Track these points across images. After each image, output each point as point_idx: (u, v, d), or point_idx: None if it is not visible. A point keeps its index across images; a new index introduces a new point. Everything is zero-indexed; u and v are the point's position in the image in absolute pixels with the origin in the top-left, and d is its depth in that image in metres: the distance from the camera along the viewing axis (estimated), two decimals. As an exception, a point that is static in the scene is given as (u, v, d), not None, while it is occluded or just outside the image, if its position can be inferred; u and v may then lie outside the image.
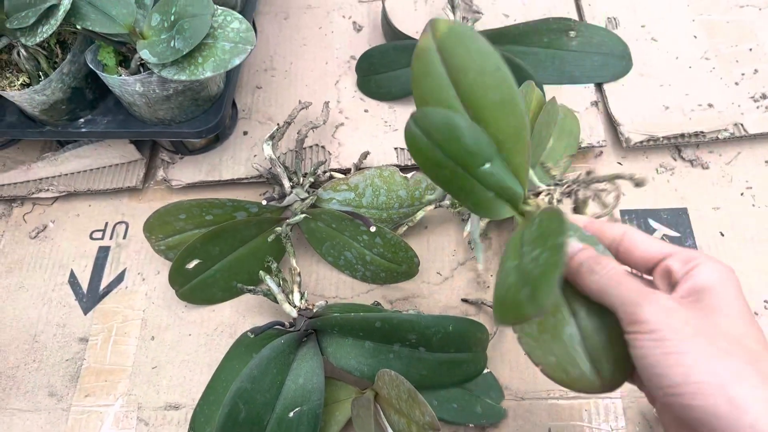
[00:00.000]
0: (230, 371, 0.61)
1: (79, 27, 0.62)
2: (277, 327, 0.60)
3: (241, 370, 0.60)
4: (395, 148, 0.73)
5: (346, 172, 0.72)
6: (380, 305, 0.64)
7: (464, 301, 0.65)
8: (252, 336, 0.58)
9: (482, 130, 0.39)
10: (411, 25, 0.82)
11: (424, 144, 0.39)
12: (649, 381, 0.34)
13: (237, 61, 0.60)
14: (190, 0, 0.61)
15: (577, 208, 0.57)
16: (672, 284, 0.37)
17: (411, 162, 0.71)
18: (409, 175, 0.64)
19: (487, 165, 0.39)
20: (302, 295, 0.62)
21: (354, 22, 0.84)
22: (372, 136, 0.74)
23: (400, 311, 0.62)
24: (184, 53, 0.59)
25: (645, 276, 0.40)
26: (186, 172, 0.74)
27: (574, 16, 0.80)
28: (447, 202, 0.66)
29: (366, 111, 0.76)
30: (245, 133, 0.77)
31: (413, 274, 0.66)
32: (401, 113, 0.76)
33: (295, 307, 0.61)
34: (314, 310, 0.61)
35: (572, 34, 0.74)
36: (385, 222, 0.66)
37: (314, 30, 0.84)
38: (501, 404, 0.59)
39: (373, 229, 0.60)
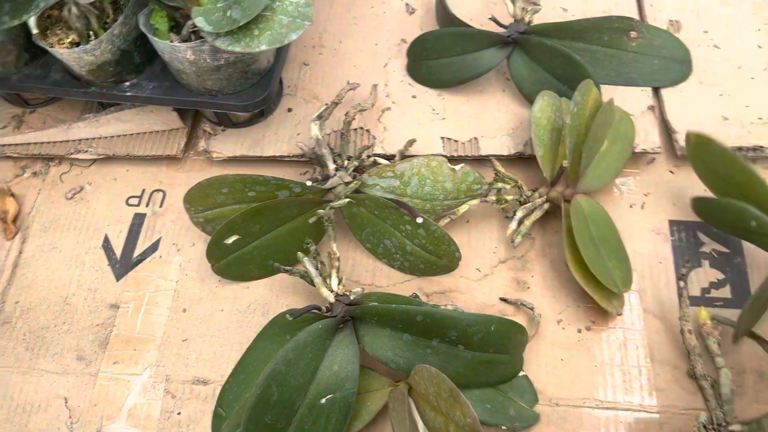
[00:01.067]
0: (262, 351, 0.60)
1: (135, -12, 0.60)
2: (315, 311, 0.59)
3: (274, 350, 0.60)
4: (442, 138, 0.71)
5: (390, 158, 0.70)
6: (418, 297, 0.63)
7: (503, 300, 0.64)
8: (290, 318, 0.57)
9: None
10: (466, 11, 0.80)
11: None
12: None
13: (293, 37, 0.59)
14: (250, -30, 0.59)
15: None
16: None
17: (457, 153, 0.70)
18: (457, 167, 0.63)
19: None
20: (340, 280, 0.61)
21: (407, 4, 0.82)
22: (418, 123, 0.73)
23: (437, 305, 0.61)
24: (241, 24, 0.58)
25: None
26: (227, 144, 0.73)
27: (635, 16, 0.78)
28: (492, 197, 0.64)
29: (414, 97, 0.75)
30: (290, 110, 0.75)
31: (453, 268, 0.64)
32: (450, 101, 0.74)
33: (332, 291, 0.60)
34: (351, 297, 0.60)
35: (633, 34, 0.72)
36: (428, 213, 0.64)
37: (366, 9, 0.82)
38: (534, 408, 0.58)
39: (420, 220, 0.59)
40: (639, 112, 0.71)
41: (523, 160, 0.70)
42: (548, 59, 0.69)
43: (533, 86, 0.71)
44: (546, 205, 0.65)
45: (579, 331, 0.62)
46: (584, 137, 0.62)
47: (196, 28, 0.63)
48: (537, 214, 0.64)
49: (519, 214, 0.64)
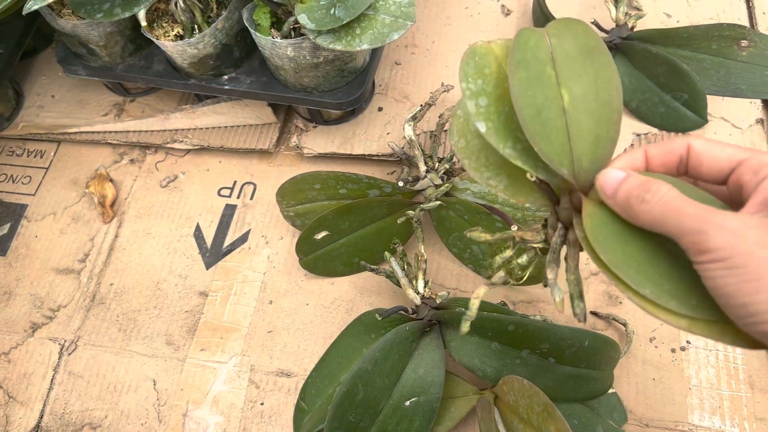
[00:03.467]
0: (346, 348, 0.60)
1: (241, -15, 0.61)
2: (401, 312, 0.59)
3: (358, 348, 0.60)
4: (534, 143, 0.70)
5: (480, 161, 0.69)
6: (506, 305, 0.62)
7: (593, 314, 0.62)
8: (378, 317, 0.57)
9: None
10: (564, 13, 0.78)
11: None
12: (729, 312, 0.30)
13: (395, 36, 0.59)
14: (356, -32, 0.59)
15: None
16: (744, 198, 0.32)
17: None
18: (555, 176, 0.61)
19: None
20: (426, 283, 0.61)
21: (503, 6, 0.81)
22: (511, 127, 0.71)
23: (526, 316, 0.60)
24: (344, 22, 0.58)
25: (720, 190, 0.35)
26: (318, 141, 0.74)
27: (745, 22, 0.74)
28: (500, 276, 0.46)
29: (507, 100, 0.73)
30: (380, 109, 0.75)
31: (542, 280, 0.63)
32: (544, 107, 0.72)
33: (418, 294, 0.60)
34: (438, 301, 0.59)
35: (744, 43, 0.68)
36: (518, 221, 0.63)
37: (460, 9, 0.82)
38: (623, 428, 0.56)
39: (514, 227, 0.58)
40: (747, 125, 0.67)
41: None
42: (652, 66, 0.67)
43: (634, 94, 0.69)
44: (572, 234, 0.40)
45: (673, 350, 0.59)
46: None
47: (297, 25, 0.64)
48: (573, 254, 0.40)
49: (550, 275, 0.41)
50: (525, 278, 0.44)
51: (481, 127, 0.36)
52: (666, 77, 0.66)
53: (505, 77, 0.37)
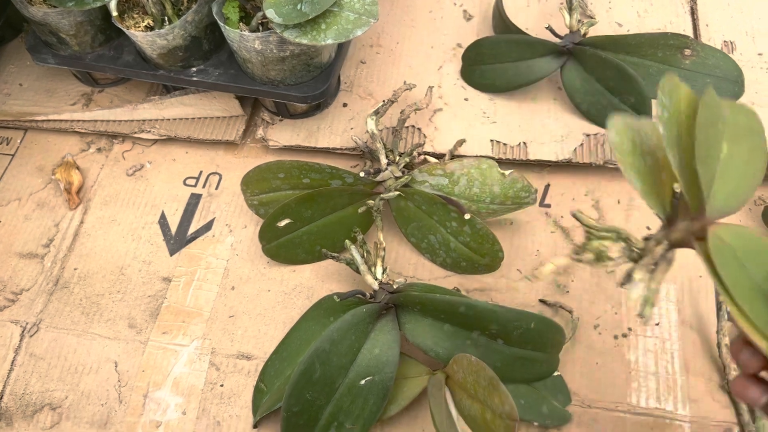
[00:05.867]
0: (306, 331, 0.62)
1: (211, -21, 0.64)
2: (359, 296, 0.61)
3: (317, 331, 0.62)
4: (491, 140, 0.73)
5: (439, 156, 0.72)
6: (458, 290, 0.64)
7: (542, 302, 0.65)
8: (337, 300, 0.59)
9: None
10: (522, 20, 0.82)
11: None
12: None
13: (359, 33, 0.61)
14: (322, -34, 0.62)
15: None
16: None
17: (505, 156, 0.72)
18: (506, 173, 0.64)
19: None
20: (384, 270, 0.63)
21: (465, 11, 0.85)
22: (469, 125, 0.75)
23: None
24: (310, 17, 0.60)
25: None
26: (284, 134, 0.76)
27: (690, 33, 0.79)
28: (590, 255, 0.47)
29: (466, 99, 0.77)
30: (345, 104, 0.78)
31: (494, 268, 0.66)
32: (501, 105, 0.76)
33: (376, 279, 0.62)
34: (395, 286, 0.62)
35: (687, 52, 0.73)
36: (473, 214, 0.66)
37: (424, 13, 0.85)
38: (567, 408, 0.59)
39: (467, 216, 0.61)
40: (688, 129, 0.71)
41: (572, 167, 0.72)
42: (602, 71, 0.71)
43: (585, 96, 0.73)
44: (672, 253, 0.46)
45: (615, 337, 0.63)
46: (692, 148, 0.45)
47: (265, 20, 0.66)
48: (664, 269, 0.45)
49: (637, 276, 0.45)
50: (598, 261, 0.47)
51: (662, 130, 0.43)
52: (615, 81, 0.70)
53: (688, 112, 0.45)
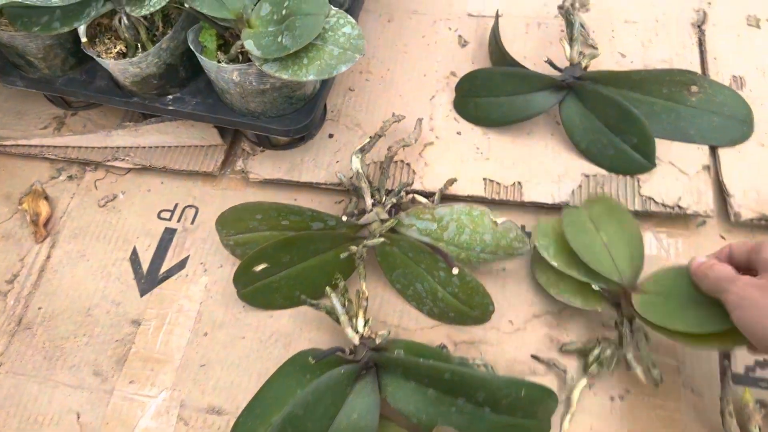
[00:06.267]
0: (280, 387, 0.58)
1: (186, 6, 0.59)
2: (338, 353, 0.57)
3: (292, 388, 0.58)
4: (484, 179, 0.69)
5: (429, 195, 0.68)
6: (446, 348, 0.60)
7: (534, 357, 0.61)
8: (312, 361, 0.55)
9: None
10: (520, 48, 0.77)
11: None
12: (749, 337, 0.48)
13: (343, 69, 0.57)
14: (305, -4, 0.57)
15: None
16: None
17: (498, 196, 0.68)
18: (499, 221, 0.60)
19: None
20: (366, 322, 0.59)
21: (460, 36, 0.80)
22: (461, 160, 0.70)
23: (465, 359, 0.58)
24: (290, 51, 0.56)
25: None
26: (265, 166, 0.72)
27: (697, 66, 0.75)
28: (594, 369, 0.59)
29: (458, 133, 0.73)
30: (331, 135, 0.74)
31: (484, 321, 0.62)
32: (495, 141, 0.71)
33: (357, 332, 0.58)
34: (377, 341, 0.58)
35: (694, 89, 0.69)
36: (462, 262, 0.62)
37: (417, 38, 0.81)
38: (558, 478, 0.55)
39: (455, 271, 0.56)
40: (694, 171, 0.67)
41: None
42: (603, 108, 0.67)
43: (584, 134, 0.68)
44: (634, 325, 0.58)
45: (612, 399, 0.59)
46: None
47: (244, 49, 0.62)
48: (641, 337, 0.58)
49: (629, 356, 0.57)
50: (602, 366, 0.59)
51: (554, 264, 0.59)
52: (616, 120, 0.66)
53: (562, 235, 0.60)
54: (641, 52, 0.77)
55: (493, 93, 0.71)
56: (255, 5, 0.61)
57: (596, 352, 0.58)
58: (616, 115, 0.66)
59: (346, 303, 0.60)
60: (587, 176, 0.68)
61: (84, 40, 0.63)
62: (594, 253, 0.58)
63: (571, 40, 0.70)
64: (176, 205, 0.73)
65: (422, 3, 0.83)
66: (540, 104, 0.69)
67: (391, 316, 0.65)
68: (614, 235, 0.60)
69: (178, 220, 0.72)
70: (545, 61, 0.69)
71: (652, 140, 0.65)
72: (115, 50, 0.66)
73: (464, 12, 0.82)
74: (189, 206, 0.73)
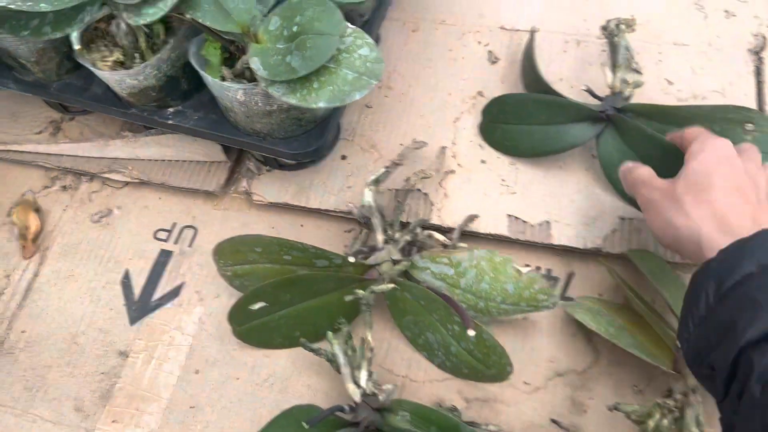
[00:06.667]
0: (273, 442, 0.53)
1: (188, 17, 0.53)
2: (337, 413, 0.51)
3: (286, 445, 0.53)
4: (509, 215, 0.63)
5: (446, 231, 0.62)
6: (458, 412, 0.54)
7: (554, 422, 0.55)
8: (306, 427, 0.50)
9: None
10: (557, 68, 0.70)
11: None
12: (655, 238, 0.52)
13: (357, 96, 0.51)
14: (319, 13, 0.51)
15: None
16: None
17: (524, 236, 0.61)
18: (523, 270, 0.54)
19: None
20: (370, 375, 0.53)
21: (490, 52, 0.73)
22: (484, 193, 0.64)
23: (479, 426, 0.53)
24: (300, 75, 0.50)
25: None
26: (271, 188, 0.66)
27: (753, 98, 0.67)
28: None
29: (483, 162, 0.66)
30: (344, 157, 0.68)
31: (501, 380, 0.56)
32: (524, 173, 0.65)
33: (359, 387, 0.52)
34: (380, 397, 0.52)
35: (749, 127, 0.61)
36: (480, 312, 0.56)
37: (443, 51, 0.74)
38: None
39: (471, 333, 0.50)
40: (743, 220, 0.60)
41: (603, 255, 0.61)
42: (645, 146, 0.60)
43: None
44: (697, 397, 0.51)
45: (638, 476, 0.53)
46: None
47: (249, 65, 0.56)
48: (700, 411, 0.51)
49: (693, 428, 0.50)
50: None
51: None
52: (659, 161, 0.58)
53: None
54: (690, 79, 0.69)
55: (524, 120, 0.64)
56: (264, 17, 0.55)
57: (656, 417, 0.50)
58: (660, 156, 0.59)
59: (349, 351, 0.54)
60: (623, 219, 0.62)
61: (77, 47, 0.57)
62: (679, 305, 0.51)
63: (614, 66, 0.63)
64: (174, 225, 0.67)
65: (451, 12, 0.76)
66: (575, 137, 0.62)
67: (399, 365, 0.59)
68: (678, 298, 0.52)
69: (175, 242, 0.66)
70: (584, 89, 0.63)
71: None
72: (112, 58, 0.60)
73: (496, 24, 0.75)
74: (187, 226, 0.67)
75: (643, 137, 0.59)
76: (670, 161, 0.58)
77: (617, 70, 0.63)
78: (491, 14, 0.76)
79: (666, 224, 0.48)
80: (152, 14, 0.53)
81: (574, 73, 0.70)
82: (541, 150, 0.64)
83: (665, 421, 0.51)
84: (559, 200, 0.63)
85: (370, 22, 0.66)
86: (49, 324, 0.63)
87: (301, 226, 0.66)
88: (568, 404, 0.56)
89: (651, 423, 0.50)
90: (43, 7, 0.52)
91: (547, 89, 0.65)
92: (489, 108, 0.67)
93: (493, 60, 0.73)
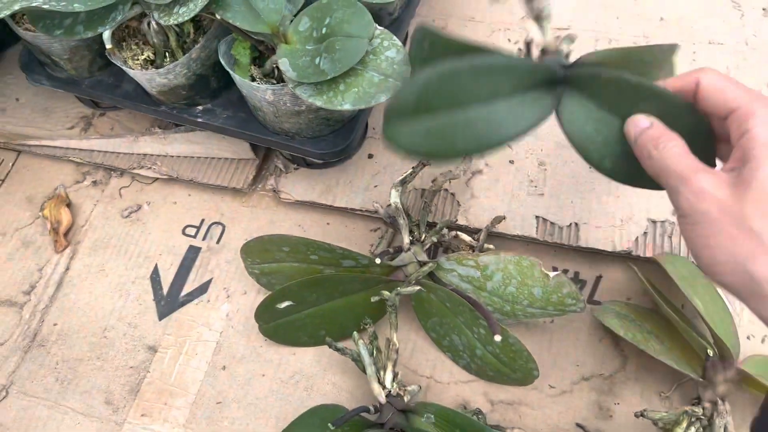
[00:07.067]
0: (298, 441, 0.54)
1: (218, 17, 0.54)
2: (360, 414, 0.52)
3: (311, 444, 0.53)
4: (537, 217, 0.62)
5: (473, 232, 0.62)
6: (483, 415, 0.54)
7: (579, 427, 0.55)
8: (332, 428, 0.50)
9: None
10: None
11: None
12: (696, 259, 0.36)
13: (382, 99, 0.51)
14: (349, 15, 0.51)
15: None
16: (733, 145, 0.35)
17: (552, 238, 0.61)
18: (551, 274, 0.53)
19: None
20: (395, 376, 0.54)
21: (520, 49, 0.72)
22: (512, 194, 0.64)
23: (503, 430, 0.53)
24: (328, 77, 0.50)
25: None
26: (298, 186, 0.66)
27: None
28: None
29: (511, 162, 0.66)
30: (370, 156, 0.68)
31: (526, 384, 0.56)
32: (552, 174, 0.64)
33: (384, 388, 0.53)
34: (405, 398, 0.53)
35: None
36: (506, 315, 0.56)
37: (472, 48, 0.73)
38: None
39: (498, 338, 0.50)
40: None
41: (632, 258, 0.60)
42: (630, 105, 0.39)
43: (605, 148, 0.40)
44: (726, 406, 0.51)
45: (664, 483, 0.52)
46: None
47: (278, 64, 0.56)
48: (729, 421, 0.50)
49: None
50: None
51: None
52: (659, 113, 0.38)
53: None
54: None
55: (458, 102, 0.39)
56: (294, 17, 0.55)
57: (684, 425, 0.50)
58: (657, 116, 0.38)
59: (375, 352, 0.54)
60: (654, 222, 0.61)
61: (109, 46, 0.58)
62: (712, 317, 0.52)
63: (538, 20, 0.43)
64: (202, 221, 0.68)
65: (480, 9, 0.75)
66: (532, 113, 0.40)
67: (423, 366, 0.59)
68: (709, 304, 0.53)
69: (204, 238, 0.67)
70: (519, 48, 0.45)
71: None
72: (143, 56, 0.60)
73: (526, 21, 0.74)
74: (216, 223, 0.68)
75: (627, 91, 0.39)
76: (678, 126, 0.38)
77: (543, 21, 0.43)
78: (521, 11, 0.75)
79: (733, 265, 0.33)
80: (183, 14, 0.53)
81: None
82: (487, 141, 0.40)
83: (692, 430, 0.50)
84: (588, 202, 0.62)
85: (399, 20, 0.65)
86: (80, 318, 0.64)
87: (327, 224, 0.67)
88: (593, 409, 0.56)
89: (678, 430, 0.50)
90: (77, 7, 0.53)
91: (469, 47, 0.43)
92: (402, 95, 0.40)
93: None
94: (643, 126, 0.37)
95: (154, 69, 0.59)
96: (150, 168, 0.69)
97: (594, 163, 0.41)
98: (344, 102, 0.51)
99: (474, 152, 0.43)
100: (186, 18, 0.53)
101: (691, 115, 0.37)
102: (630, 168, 0.40)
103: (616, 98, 0.39)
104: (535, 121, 0.40)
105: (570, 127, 0.41)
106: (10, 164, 0.74)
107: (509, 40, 0.73)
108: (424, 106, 0.39)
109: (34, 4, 0.53)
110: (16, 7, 0.53)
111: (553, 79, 0.41)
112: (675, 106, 0.37)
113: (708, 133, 0.37)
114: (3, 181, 0.73)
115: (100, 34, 0.58)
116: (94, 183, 0.72)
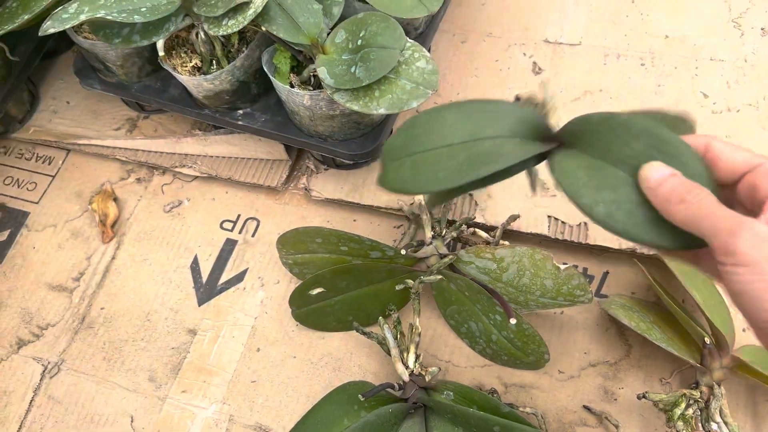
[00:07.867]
0: (327, 414, 0.58)
1: (263, 29, 0.59)
2: (387, 389, 0.57)
3: (339, 417, 0.58)
4: (549, 216, 0.67)
5: (490, 229, 0.67)
6: (497, 394, 0.59)
7: (585, 408, 0.60)
8: (362, 399, 0.55)
9: None
10: (596, 79, 0.75)
11: None
12: (750, 313, 0.32)
13: (414, 104, 0.56)
14: (382, 28, 0.57)
15: None
16: (758, 201, 0.34)
17: (563, 236, 0.66)
18: (562, 266, 0.59)
19: None
20: (417, 357, 0.59)
21: (534, 63, 0.78)
22: (526, 195, 0.69)
23: (516, 408, 0.57)
24: (363, 84, 0.56)
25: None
26: (328, 185, 0.72)
27: None
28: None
29: (526, 166, 0.71)
30: (395, 158, 0.73)
31: (538, 368, 0.61)
32: (563, 178, 0.69)
33: (407, 368, 0.58)
34: (426, 378, 0.58)
35: None
36: (520, 305, 0.61)
37: (490, 62, 0.79)
38: None
39: (513, 321, 0.55)
40: None
41: (636, 255, 0.65)
42: (620, 145, 0.36)
43: (597, 193, 0.37)
44: (722, 390, 0.55)
45: (665, 461, 0.57)
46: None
47: (317, 73, 0.61)
48: (724, 404, 0.55)
49: (717, 418, 0.54)
50: None
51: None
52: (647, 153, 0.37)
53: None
54: (725, 92, 0.73)
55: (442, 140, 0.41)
56: (331, 30, 0.61)
57: (682, 406, 0.55)
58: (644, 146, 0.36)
59: (398, 335, 0.60)
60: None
61: (162, 54, 0.64)
62: (709, 305, 0.58)
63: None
64: (239, 216, 0.74)
65: (497, 25, 0.81)
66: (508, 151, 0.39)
67: (442, 351, 0.64)
68: (707, 297, 0.59)
69: (240, 232, 0.73)
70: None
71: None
72: (191, 64, 0.66)
73: (541, 38, 0.80)
74: (251, 218, 0.73)
75: (620, 128, 0.36)
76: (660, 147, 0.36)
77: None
78: (535, 28, 0.81)
79: None
80: (232, 26, 0.59)
81: (613, 85, 0.75)
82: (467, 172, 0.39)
83: (690, 411, 0.55)
84: (596, 204, 0.68)
85: (424, 35, 0.71)
86: (125, 303, 0.70)
87: (354, 221, 0.72)
88: (599, 392, 0.61)
89: (677, 411, 0.55)
90: (137, 18, 0.59)
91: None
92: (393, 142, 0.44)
93: (537, 71, 0.77)
94: (665, 173, 0.34)
95: (201, 75, 0.64)
96: (191, 167, 0.75)
97: (581, 206, 0.38)
98: (379, 107, 0.56)
99: (454, 184, 0.39)
100: (234, 30, 0.59)
101: (703, 167, 0.35)
102: (631, 217, 0.35)
103: (607, 142, 0.37)
104: (517, 159, 0.38)
105: (560, 174, 0.39)
106: (61, 162, 0.79)
107: (524, 54, 0.79)
108: (412, 142, 0.41)
109: (98, 15, 0.59)
110: (83, 18, 0.59)
111: (545, 131, 0.40)
112: (689, 157, 0.35)
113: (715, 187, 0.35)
114: (54, 177, 0.78)
115: (154, 43, 0.65)
116: (138, 180, 0.77)
